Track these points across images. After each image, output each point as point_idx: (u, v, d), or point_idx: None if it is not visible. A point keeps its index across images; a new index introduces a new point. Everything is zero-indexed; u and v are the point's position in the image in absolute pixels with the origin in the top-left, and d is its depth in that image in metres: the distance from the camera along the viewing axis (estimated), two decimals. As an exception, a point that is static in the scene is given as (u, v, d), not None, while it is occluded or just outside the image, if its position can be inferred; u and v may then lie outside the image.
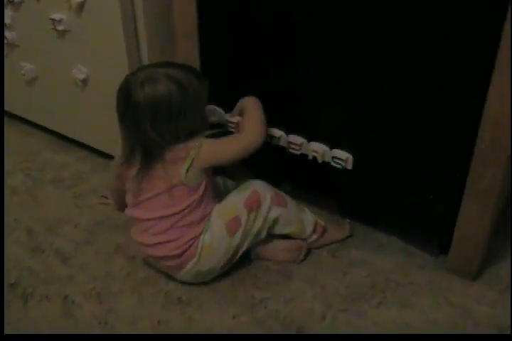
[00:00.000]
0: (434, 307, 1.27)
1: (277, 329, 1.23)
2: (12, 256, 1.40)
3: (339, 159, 1.32)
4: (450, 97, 1.15)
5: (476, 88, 1.10)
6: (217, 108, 1.43)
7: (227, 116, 1.41)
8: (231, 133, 1.36)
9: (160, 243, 1.27)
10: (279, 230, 1.34)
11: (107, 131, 1.58)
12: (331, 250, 1.41)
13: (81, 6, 1.38)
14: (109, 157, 1.64)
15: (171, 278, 1.34)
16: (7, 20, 1.55)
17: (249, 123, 1.30)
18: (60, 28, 1.45)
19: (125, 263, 1.38)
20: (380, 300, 1.29)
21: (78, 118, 1.62)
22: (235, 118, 1.38)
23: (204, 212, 1.28)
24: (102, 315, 1.26)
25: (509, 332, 1.21)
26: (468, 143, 1.15)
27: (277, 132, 1.38)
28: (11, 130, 1.77)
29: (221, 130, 1.31)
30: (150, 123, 1.19)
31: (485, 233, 1.25)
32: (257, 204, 1.29)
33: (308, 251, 1.39)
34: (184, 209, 1.25)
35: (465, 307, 1.27)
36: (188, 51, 1.39)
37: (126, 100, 1.21)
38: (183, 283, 1.32)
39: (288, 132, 1.37)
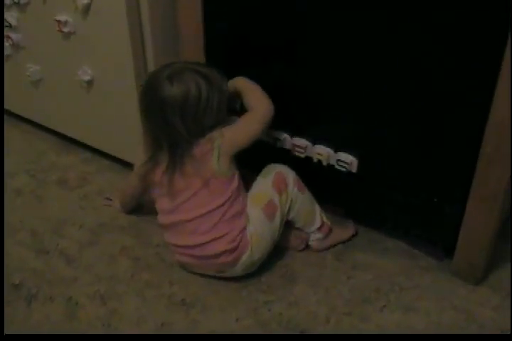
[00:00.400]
0: (438, 311, 1.27)
1: (281, 333, 1.23)
2: (16, 257, 1.40)
3: (344, 162, 1.32)
4: (456, 100, 1.14)
5: (482, 91, 1.10)
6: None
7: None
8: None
9: (214, 239, 1.27)
10: (291, 214, 1.35)
11: (111, 133, 1.59)
12: (335, 253, 1.41)
13: (87, 8, 1.39)
14: (113, 158, 1.64)
15: (175, 280, 1.34)
16: (13, 21, 1.56)
17: (253, 99, 1.31)
18: (65, 29, 1.45)
19: (129, 265, 1.38)
20: (385, 303, 1.29)
21: (83, 119, 1.63)
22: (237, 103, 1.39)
23: (244, 201, 1.30)
24: (106, 317, 1.27)
25: (513, 337, 1.21)
26: (474, 146, 1.15)
27: (282, 135, 1.38)
28: (16, 131, 1.78)
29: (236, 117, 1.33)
30: (180, 118, 1.21)
31: (490, 237, 1.24)
32: (284, 184, 1.32)
33: (313, 254, 1.39)
34: (227, 201, 1.26)
35: (469, 311, 1.27)
36: (194, 53, 1.39)
37: (153, 95, 1.23)
38: (187, 285, 1.32)
39: (293, 135, 1.37)
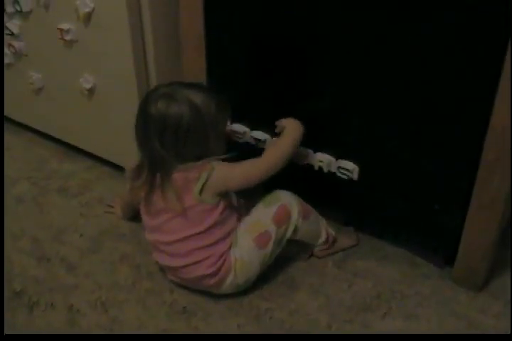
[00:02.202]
0: (439, 318, 1.27)
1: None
2: (18, 265, 1.40)
3: (345, 169, 1.33)
4: (456, 108, 1.15)
5: (483, 99, 1.10)
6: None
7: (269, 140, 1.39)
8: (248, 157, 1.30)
9: (193, 263, 1.25)
10: (295, 237, 1.33)
11: (113, 140, 1.59)
12: (336, 261, 1.41)
13: (89, 16, 1.39)
14: (115, 166, 1.65)
15: (175, 287, 1.34)
16: (15, 29, 1.56)
17: (274, 149, 1.27)
18: (67, 37, 1.46)
19: (130, 273, 1.38)
20: (386, 310, 1.29)
21: (85, 127, 1.63)
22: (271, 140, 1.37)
23: (228, 228, 1.26)
24: (107, 325, 1.26)
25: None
26: (474, 154, 1.15)
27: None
28: (17, 139, 1.78)
29: (236, 153, 1.28)
30: (158, 138, 1.19)
31: (490, 244, 1.25)
32: (287, 217, 1.28)
33: (314, 261, 1.39)
34: (207, 229, 1.23)
35: (470, 319, 1.26)
36: (195, 61, 1.40)
37: (142, 111, 1.22)
38: (188, 292, 1.32)
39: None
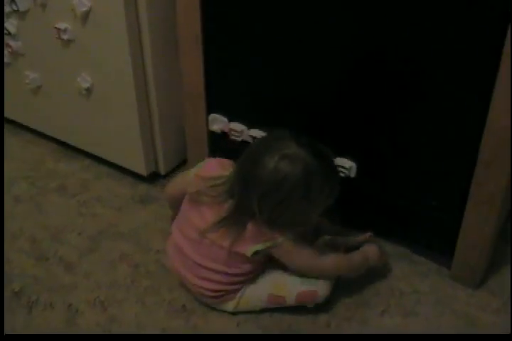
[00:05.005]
0: (438, 316, 1.27)
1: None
2: (16, 264, 1.40)
3: (343, 167, 1.33)
4: (453, 107, 1.15)
5: (479, 98, 1.10)
6: (221, 116, 1.43)
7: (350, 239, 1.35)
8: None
9: (200, 287, 1.25)
10: None
11: (111, 140, 1.59)
12: (334, 258, 1.41)
13: (86, 15, 1.39)
14: (113, 165, 1.65)
15: (175, 286, 1.34)
16: (12, 29, 1.56)
17: (347, 261, 1.25)
18: (64, 37, 1.46)
19: (129, 272, 1.38)
20: (384, 308, 1.29)
21: (82, 126, 1.63)
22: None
23: (253, 276, 1.25)
24: (106, 324, 1.27)
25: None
26: (472, 152, 1.16)
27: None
28: (15, 138, 1.78)
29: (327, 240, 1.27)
30: (258, 194, 1.12)
31: (488, 241, 1.25)
32: (308, 301, 1.25)
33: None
34: (236, 274, 1.22)
35: (469, 316, 1.27)
36: (193, 60, 1.40)
37: (253, 161, 1.15)
38: (187, 291, 1.32)
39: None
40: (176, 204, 1.32)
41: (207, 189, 1.20)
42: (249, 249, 1.18)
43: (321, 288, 1.24)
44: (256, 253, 1.18)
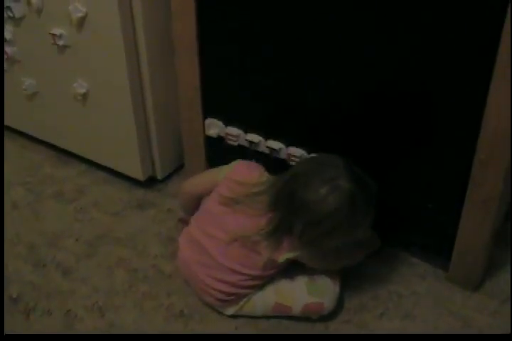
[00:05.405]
0: (436, 318, 1.27)
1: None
2: (14, 271, 1.40)
3: (339, 170, 1.33)
4: (450, 107, 1.16)
5: (475, 98, 1.11)
6: (217, 121, 1.44)
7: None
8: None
9: (214, 289, 1.24)
10: None
11: (107, 145, 1.59)
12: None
13: (81, 21, 1.39)
14: (109, 171, 1.65)
15: (172, 291, 1.34)
16: (8, 35, 1.56)
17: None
18: (60, 43, 1.46)
19: (126, 277, 1.38)
20: (382, 311, 1.29)
21: (78, 132, 1.63)
22: None
23: (270, 280, 1.26)
24: (104, 329, 1.27)
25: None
26: (468, 152, 1.16)
27: (277, 144, 1.38)
28: (11, 144, 1.78)
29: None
30: (302, 222, 1.13)
31: (485, 243, 1.25)
32: (314, 313, 1.26)
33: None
34: (258, 276, 1.23)
35: (466, 318, 1.27)
36: (188, 65, 1.40)
37: (301, 183, 1.14)
38: (185, 296, 1.32)
39: (288, 145, 1.38)
40: (193, 202, 1.34)
41: (245, 198, 1.21)
42: (281, 256, 1.19)
43: (327, 301, 1.24)
44: (285, 260, 1.20)
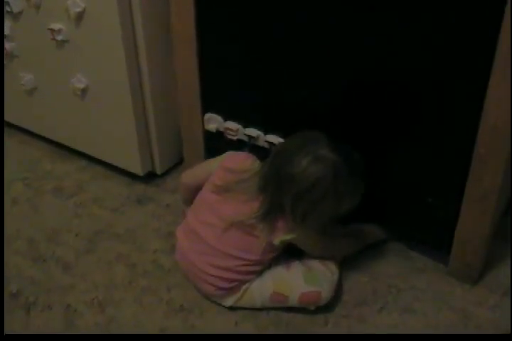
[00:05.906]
0: (436, 312, 1.27)
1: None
2: (13, 266, 1.40)
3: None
4: (449, 102, 1.16)
5: (475, 93, 1.11)
6: (217, 115, 1.44)
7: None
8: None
9: (213, 276, 1.25)
10: None
11: (106, 140, 1.59)
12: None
13: (80, 16, 1.39)
14: (108, 166, 1.65)
15: (172, 286, 1.34)
16: (6, 30, 1.56)
17: (347, 245, 1.33)
18: (59, 38, 1.45)
19: (126, 272, 1.38)
20: (382, 305, 1.29)
21: (78, 127, 1.63)
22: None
23: (269, 266, 1.27)
24: (104, 324, 1.27)
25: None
26: (468, 147, 1.16)
27: (276, 139, 1.38)
28: (10, 140, 1.78)
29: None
30: (291, 197, 1.14)
31: (485, 237, 1.25)
32: (312, 303, 1.26)
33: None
34: (256, 261, 1.23)
35: (466, 312, 1.27)
36: (187, 59, 1.40)
37: (285, 160, 1.16)
38: (185, 290, 1.33)
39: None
40: (191, 193, 1.35)
41: (236, 184, 1.22)
42: (277, 238, 1.20)
43: (325, 290, 1.25)
44: (281, 242, 1.21)
